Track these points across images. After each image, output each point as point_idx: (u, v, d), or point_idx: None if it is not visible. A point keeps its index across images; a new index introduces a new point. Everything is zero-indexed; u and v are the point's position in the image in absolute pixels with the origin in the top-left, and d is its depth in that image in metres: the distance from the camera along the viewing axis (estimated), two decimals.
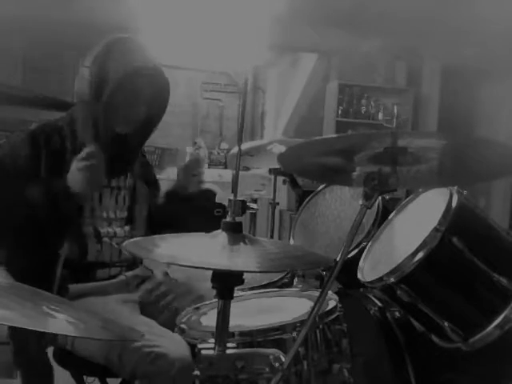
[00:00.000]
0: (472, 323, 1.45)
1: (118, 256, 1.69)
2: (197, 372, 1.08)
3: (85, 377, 1.63)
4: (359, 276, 1.59)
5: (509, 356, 1.56)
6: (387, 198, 1.98)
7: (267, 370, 1.11)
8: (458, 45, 4.50)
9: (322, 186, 2.22)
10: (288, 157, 1.30)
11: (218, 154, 5.88)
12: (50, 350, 1.65)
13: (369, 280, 1.53)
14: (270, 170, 2.71)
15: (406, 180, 1.27)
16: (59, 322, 0.93)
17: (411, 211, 1.69)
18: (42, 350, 1.60)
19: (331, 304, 1.36)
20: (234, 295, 1.08)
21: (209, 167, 5.76)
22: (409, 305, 1.49)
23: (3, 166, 1.57)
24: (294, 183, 2.53)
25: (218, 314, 1.08)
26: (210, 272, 1.05)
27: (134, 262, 1.74)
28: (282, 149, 2.20)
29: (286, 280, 2.01)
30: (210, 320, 1.38)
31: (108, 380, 1.63)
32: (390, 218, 1.74)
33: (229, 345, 1.11)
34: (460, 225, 1.44)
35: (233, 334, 1.23)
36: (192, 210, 1.84)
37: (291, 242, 2.17)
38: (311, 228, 2.17)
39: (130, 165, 1.77)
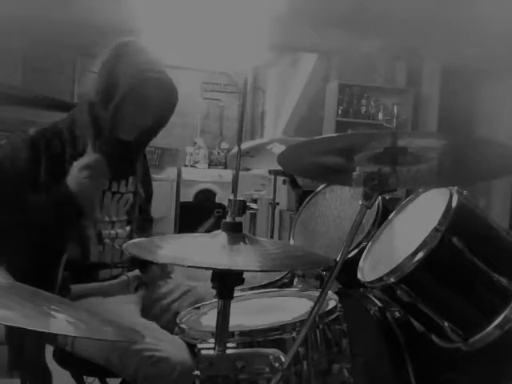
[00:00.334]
0: (472, 323, 1.45)
1: (119, 257, 1.69)
2: (197, 372, 1.08)
3: (85, 377, 1.63)
4: (359, 276, 1.59)
5: (509, 356, 1.56)
6: (387, 197, 1.98)
7: (267, 370, 1.11)
8: (458, 45, 4.50)
9: (322, 186, 2.22)
10: (288, 157, 1.30)
11: (218, 153, 5.88)
12: (49, 351, 1.64)
13: (369, 280, 1.53)
14: (270, 171, 2.71)
15: (406, 180, 1.27)
16: (59, 322, 0.93)
17: (411, 211, 1.69)
18: (39, 353, 1.59)
19: (331, 304, 1.36)
20: (234, 295, 1.08)
21: (209, 167, 5.77)
22: (409, 305, 1.49)
23: (3, 167, 1.56)
24: (294, 183, 2.53)
25: (218, 313, 1.08)
26: (210, 272, 1.05)
27: (133, 263, 1.74)
28: (282, 148, 2.20)
29: (286, 280, 2.01)
30: (210, 320, 1.39)
31: (108, 380, 1.64)
32: (389, 218, 1.74)
33: (229, 345, 1.11)
34: (460, 225, 1.44)
35: (233, 334, 1.23)
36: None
37: (291, 242, 2.17)
38: (311, 228, 2.17)
39: (133, 166, 1.76)
